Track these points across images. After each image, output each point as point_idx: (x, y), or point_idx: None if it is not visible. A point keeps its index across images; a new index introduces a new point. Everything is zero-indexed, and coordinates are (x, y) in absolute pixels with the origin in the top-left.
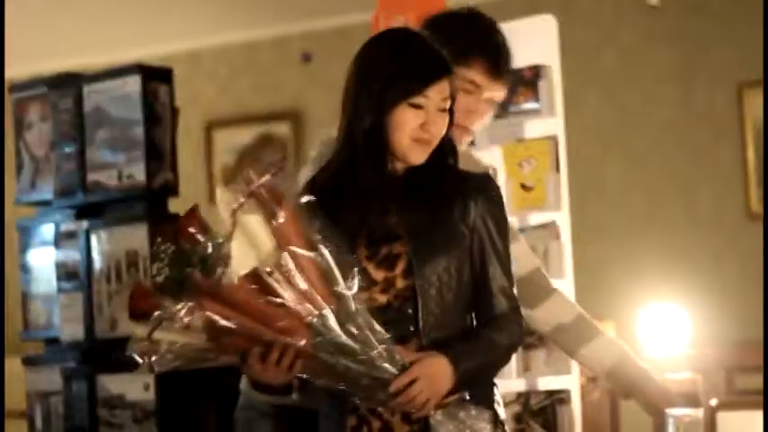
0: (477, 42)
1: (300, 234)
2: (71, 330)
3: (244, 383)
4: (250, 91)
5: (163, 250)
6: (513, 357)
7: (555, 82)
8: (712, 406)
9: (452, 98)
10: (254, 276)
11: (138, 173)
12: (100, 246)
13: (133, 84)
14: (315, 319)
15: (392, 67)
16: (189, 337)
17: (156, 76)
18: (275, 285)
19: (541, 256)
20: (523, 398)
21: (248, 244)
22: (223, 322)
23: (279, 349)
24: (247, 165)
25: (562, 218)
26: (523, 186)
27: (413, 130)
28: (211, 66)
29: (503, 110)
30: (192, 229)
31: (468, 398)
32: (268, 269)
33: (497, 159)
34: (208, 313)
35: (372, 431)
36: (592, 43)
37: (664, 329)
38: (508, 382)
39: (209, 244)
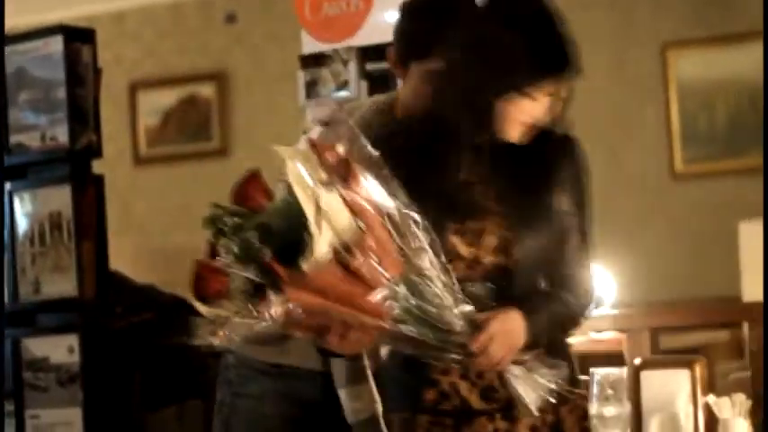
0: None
1: (371, 200)
2: None
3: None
4: (174, 52)
5: (229, 221)
6: None
7: None
8: (636, 365)
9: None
10: (335, 255)
11: (61, 134)
12: (23, 208)
13: (55, 45)
14: (396, 291)
15: (520, 53)
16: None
17: (78, 37)
18: (355, 262)
19: None
20: None
21: (327, 219)
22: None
23: (359, 328)
24: (172, 127)
25: None
26: None
27: (521, 115)
28: (135, 27)
29: None
30: (258, 197)
31: (545, 354)
32: (346, 245)
33: None
34: (291, 305)
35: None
36: None
37: None
38: None
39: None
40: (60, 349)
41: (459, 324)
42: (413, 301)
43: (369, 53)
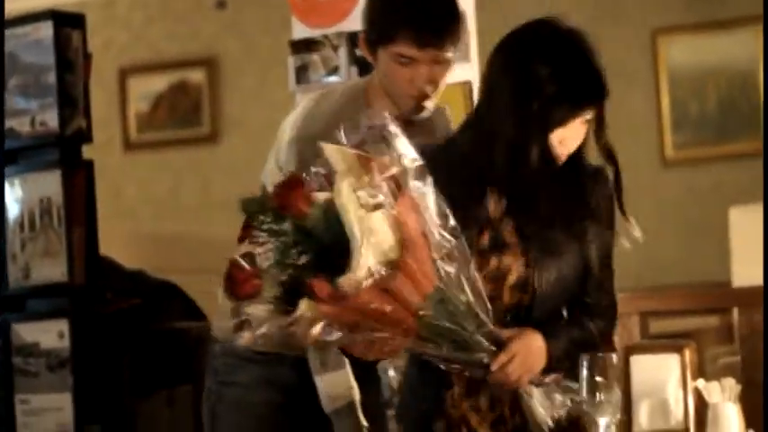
0: (401, 14)
1: (416, 219)
2: None
3: (217, 330)
4: (164, 37)
5: (267, 222)
6: None
7: (469, 28)
8: (626, 349)
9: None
10: (375, 275)
11: (51, 119)
12: (13, 193)
13: (45, 30)
14: (427, 311)
15: (553, 86)
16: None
17: (68, 23)
18: (394, 283)
19: None
20: None
21: (372, 239)
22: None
23: (385, 341)
24: (162, 112)
25: None
26: None
27: (556, 145)
28: (126, 12)
29: None
30: (300, 203)
31: (564, 378)
32: (387, 265)
33: None
34: (324, 323)
35: None
36: None
37: None
38: None
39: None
40: (50, 334)
41: (484, 344)
42: (443, 323)
43: (359, 39)
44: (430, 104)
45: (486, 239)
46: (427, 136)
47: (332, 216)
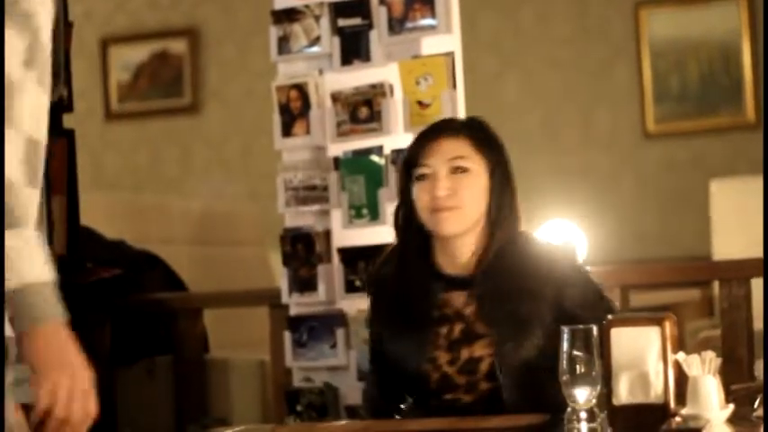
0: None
1: None
2: None
3: None
4: (146, 7)
5: None
6: None
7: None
8: (606, 322)
9: (484, 155)
10: None
11: None
12: None
13: None
14: None
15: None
16: None
17: None
18: None
19: None
20: None
21: None
22: None
23: None
24: (143, 82)
25: None
26: (420, 103)
27: (426, 203)
28: None
29: (399, 26)
30: None
31: None
32: None
33: (394, 76)
34: None
35: None
36: None
37: None
38: None
39: None
40: None
41: None
42: None
43: (341, 9)
44: None
45: (456, 332)
46: None
47: None
